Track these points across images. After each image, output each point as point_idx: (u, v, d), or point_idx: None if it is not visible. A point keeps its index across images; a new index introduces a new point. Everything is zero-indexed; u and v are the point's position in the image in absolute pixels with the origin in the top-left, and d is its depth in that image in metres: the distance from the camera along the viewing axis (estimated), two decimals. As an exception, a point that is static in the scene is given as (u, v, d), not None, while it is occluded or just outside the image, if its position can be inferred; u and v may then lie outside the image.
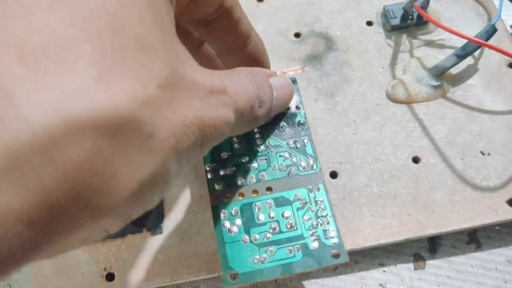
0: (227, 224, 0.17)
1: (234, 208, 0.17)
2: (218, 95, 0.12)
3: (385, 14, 0.26)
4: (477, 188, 0.21)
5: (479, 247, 0.22)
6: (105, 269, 0.20)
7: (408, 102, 0.24)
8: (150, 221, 0.21)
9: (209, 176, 0.18)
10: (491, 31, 0.23)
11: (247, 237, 0.17)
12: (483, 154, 0.22)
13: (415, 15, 0.25)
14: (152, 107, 0.09)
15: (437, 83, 0.24)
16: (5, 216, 0.07)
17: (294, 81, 0.21)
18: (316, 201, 0.18)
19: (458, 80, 0.24)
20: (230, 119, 0.13)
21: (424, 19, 0.25)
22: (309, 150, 0.19)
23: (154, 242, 0.20)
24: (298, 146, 0.19)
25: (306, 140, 0.19)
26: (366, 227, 0.20)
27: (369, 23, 0.26)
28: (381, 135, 0.23)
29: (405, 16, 0.26)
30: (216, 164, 0.18)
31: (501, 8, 0.24)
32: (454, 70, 0.24)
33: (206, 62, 0.20)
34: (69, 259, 0.20)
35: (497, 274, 0.21)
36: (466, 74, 0.24)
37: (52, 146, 0.08)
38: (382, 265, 0.21)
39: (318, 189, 0.18)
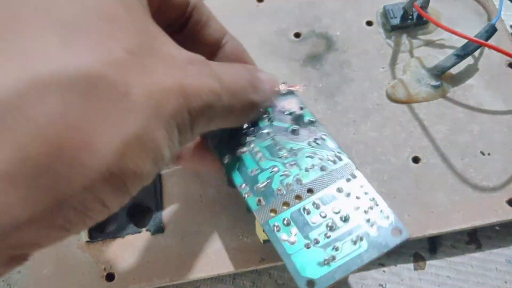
0: (284, 236, 0.16)
1: (284, 219, 0.17)
2: (198, 65, 0.12)
3: (385, 14, 0.26)
4: (477, 188, 0.21)
5: (479, 247, 0.22)
6: (105, 269, 0.20)
7: (408, 102, 0.24)
8: (150, 221, 0.21)
9: (246, 197, 0.17)
10: (491, 31, 0.23)
11: (308, 242, 0.16)
12: (483, 154, 0.22)
13: (415, 15, 0.25)
14: (121, 68, 0.10)
15: (437, 83, 0.24)
16: None
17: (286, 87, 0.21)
18: (358, 188, 0.17)
19: (458, 80, 0.24)
20: (215, 88, 0.13)
21: (424, 19, 0.25)
22: (330, 144, 0.19)
23: (154, 242, 0.20)
24: (319, 143, 0.19)
25: (324, 136, 0.19)
26: (366, 227, 0.20)
27: (369, 23, 0.26)
28: (381, 135, 0.23)
29: (405, 16, 0.25)
30: (248, 184, 0.18)
31: (501, 8, 0.24)
32: (454, 70, 0.24)
33: None
34: (69, 259, 0.20)
35: (497, 274, 0.21)
36: (466, 74, 0.24)
37: (22, 103, 0.08)
38: (382, 265, 0.21)
39: (355, 176, 0.18)
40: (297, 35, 0.26)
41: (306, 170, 0.18)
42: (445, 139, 0.22)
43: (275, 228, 0.17)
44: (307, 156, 0.18)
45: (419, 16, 0.25)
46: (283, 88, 0.20)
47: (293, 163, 0.18)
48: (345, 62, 0.25)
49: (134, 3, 0.11)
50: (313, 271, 0.16)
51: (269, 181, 0.18)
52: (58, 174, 0.09)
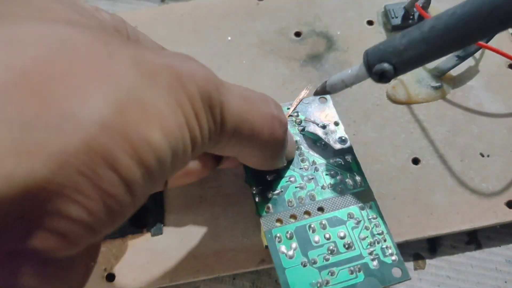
0: (283, 248, 0.16)
1: (288, 232, 0.17)
2: (185, 57, 0.12)
3: (386, 14, 0.26)
4: (477, 189, 0.21)
5: (479, 247, 0.22)
6: (105, 269, 0.20)
7: (408, 103, 0.24)
8: (150, 222, 0.21)
9: (257, 200, 0.17)
10: (492, 32, 0.23)
11: (306, 260, 0.16)
12: (482, 155, 0.22)
13: (416, 15, 0.25)
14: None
15: (437, 84, 0.24)
16: None
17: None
18: (369, 219, 0.17)
19: (458, 81, 0.24)
20: (210, 77, 0.11)
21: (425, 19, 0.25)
22: (354, 167, 0.18)
23: (154, 243, 0.20)
24: (343, 163, 0.18)
25: (350, 157, 0.19)
26: (366, 228, 0.20)
27: (370, 23, 0.26)
28: (381, 136, 0.23)
29: (406, 16, 0.25)
30: (262, 187, 0.18)
31: (502, 9, 0.24)
32: (454, 71, 0.24)
33: None
34: (69, 260, 0.20)
35: (497, 274, 0.21)
36: (466, 75, 0.24)
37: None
38: (382, 265, 0.21)
39: (370, 207, 0.17)
40: (297, 34, 0.26)
41: (323, 187, 0.18)
42: (445, 141, 0.22)
43: (276, 238, 0.17)
44: (327, 174, 0.18)
45: (420, 16, 0.25)
46: (306, 92, 0.20)
47: (311, 177, 0.18)
48: (346, 61, 0.25)
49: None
50: None
51: (282, 190, 0.18)
52: (49, 126, 0.07)
